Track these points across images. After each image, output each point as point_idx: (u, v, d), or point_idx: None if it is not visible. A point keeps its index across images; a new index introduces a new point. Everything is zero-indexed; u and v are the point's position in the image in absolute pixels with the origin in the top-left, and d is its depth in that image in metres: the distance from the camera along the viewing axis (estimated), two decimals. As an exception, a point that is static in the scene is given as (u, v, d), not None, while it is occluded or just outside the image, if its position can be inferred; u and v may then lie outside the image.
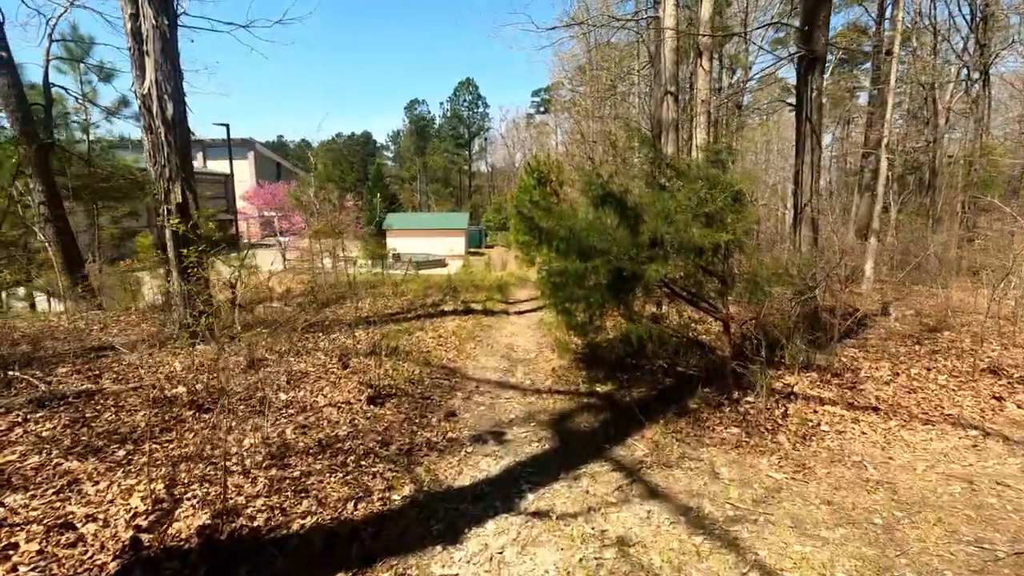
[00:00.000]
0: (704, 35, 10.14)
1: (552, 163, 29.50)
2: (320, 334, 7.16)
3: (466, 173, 74.68)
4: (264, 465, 3.54)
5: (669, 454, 4.07)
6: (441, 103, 79.10)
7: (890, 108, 11.88)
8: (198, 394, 4.59)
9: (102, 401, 4.40)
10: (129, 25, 5.97)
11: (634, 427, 4.66)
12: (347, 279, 12.12)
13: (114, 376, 5.04)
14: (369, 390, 4.97)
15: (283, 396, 4.77)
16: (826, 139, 22.67)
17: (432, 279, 13.69)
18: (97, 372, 5.11)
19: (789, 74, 21.63)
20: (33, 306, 10.80)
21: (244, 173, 42.00)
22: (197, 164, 42.92)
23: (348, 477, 3.51)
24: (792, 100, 7.65)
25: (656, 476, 3.76)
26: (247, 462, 3.56)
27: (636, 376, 5.92)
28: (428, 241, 45.12)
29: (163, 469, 3.37)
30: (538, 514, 3.24)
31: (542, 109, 76.97)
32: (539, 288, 6.37)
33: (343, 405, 4.70)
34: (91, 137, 11.87)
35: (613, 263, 4.72)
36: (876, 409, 4.83)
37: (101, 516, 2.83)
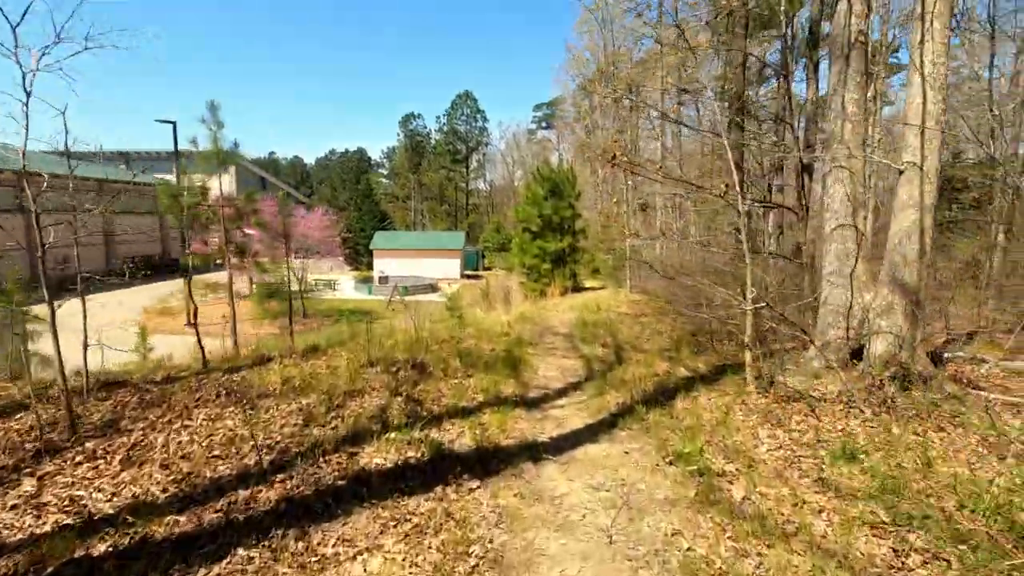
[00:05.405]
0: None
1: (567, 170, 23.99)
2: None
3: (463, 191, 69.30)
4: None
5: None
6: (438, 117, 74.43)
7: None
8: None
9: None
10: None
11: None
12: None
13: None
14: None
15: None
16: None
17: (389, 336, 7.85)
18: None
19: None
20: None
21: (226, 188, 36.20)
22: (170, 175, 37.60)
23: None
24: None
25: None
26: None
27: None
28: (420, 263, 39.64)
29: None
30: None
31: (544, 124, 71.67)
32: None
33: None
34: None
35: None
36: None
37: None
